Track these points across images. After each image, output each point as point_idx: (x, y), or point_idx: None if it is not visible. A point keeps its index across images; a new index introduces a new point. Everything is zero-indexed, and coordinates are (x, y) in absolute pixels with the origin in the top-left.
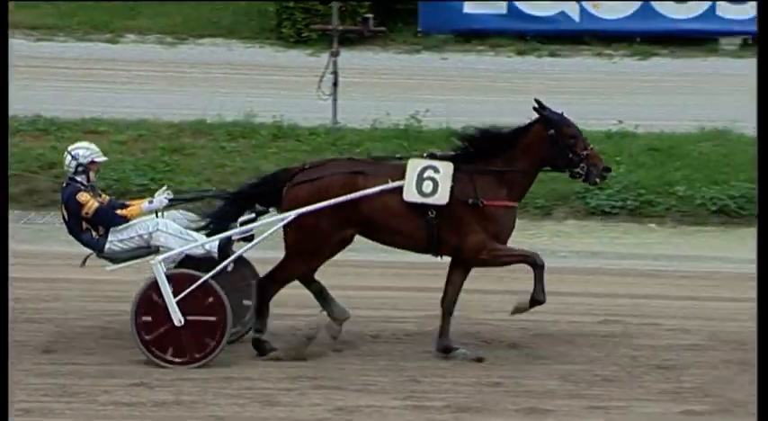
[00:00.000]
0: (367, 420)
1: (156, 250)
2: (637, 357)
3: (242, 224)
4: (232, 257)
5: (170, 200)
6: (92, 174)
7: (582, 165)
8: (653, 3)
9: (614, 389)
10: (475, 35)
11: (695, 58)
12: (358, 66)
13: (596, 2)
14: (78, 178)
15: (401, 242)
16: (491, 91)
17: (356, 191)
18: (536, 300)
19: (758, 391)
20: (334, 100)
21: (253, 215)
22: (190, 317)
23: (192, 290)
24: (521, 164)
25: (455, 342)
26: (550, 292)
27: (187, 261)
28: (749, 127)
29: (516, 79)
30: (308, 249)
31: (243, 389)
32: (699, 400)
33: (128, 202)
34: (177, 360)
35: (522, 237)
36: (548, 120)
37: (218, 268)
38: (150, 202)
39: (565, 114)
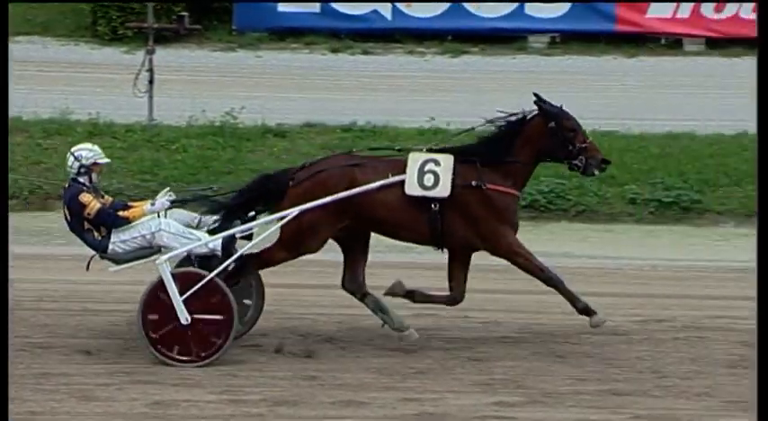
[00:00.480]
0: (184, 414)
1: (158, 250)
2: (449, 350)
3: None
4: (235, 256)
5: (171, 201)
6: (94, 176)
7: (580, 157)
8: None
9: (428, 381)
10: (289, 33)
11: (505, 56)
12: (174, 63)
13: (409, 2)
14: (81, 179)
15: (405, 235)
16: (306, 88)
17: (356, 185)
18: (582, 309)
19: (758, 392)
20: (150, 97)
21: (251, 213)
22: (196, 316)
23: (198, 288)
24: (521, 155)
25: (276, 338)
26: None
27: (199, 260)
28: None
29: (330, 77)
30: (299, 241)
31: (60, 385)
32: (510, 391)
33: (130, 204)
34: (183, 358)
35: None
36: (548, 113)
37: (222, 266)
38: (152, 204)
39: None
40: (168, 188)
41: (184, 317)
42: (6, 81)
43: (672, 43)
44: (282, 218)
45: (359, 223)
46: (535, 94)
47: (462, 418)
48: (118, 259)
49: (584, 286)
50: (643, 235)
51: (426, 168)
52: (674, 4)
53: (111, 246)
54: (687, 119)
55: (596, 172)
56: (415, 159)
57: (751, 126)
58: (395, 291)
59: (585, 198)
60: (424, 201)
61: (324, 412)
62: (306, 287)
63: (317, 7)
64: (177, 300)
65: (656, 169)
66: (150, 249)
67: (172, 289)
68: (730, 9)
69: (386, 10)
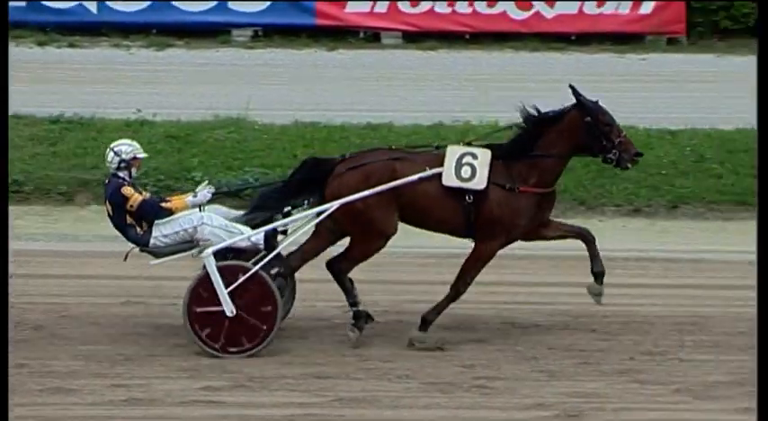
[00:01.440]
0: None
1: (197, 244)
2: (157, 337)
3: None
4: (277, 249)
5: (213, 193)
6: (133, 170)
7: (614, 151)
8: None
9: (136, 367)
10: None
11: (209, 49)
12: None
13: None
14: (120, 174)
15: (439, 226)
16: (13, 81)
17: (395, 177)
18: (598, 272)
19: (758, 393)
20: None
21: (288, 208)
22: (242, 308)
23: (244, 281)
24: (556, 149)
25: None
26: (75, 276)
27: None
28: (264, 115)
29: (38, 69)
30: (370, 230)
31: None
32: (217, 376)
33: (167, 198)
34: (231, 349)
35: (45, 222)
36: (584, 107)
37: (267, 259)
38: (195, 196)
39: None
40: (207, 181)
41: (230, 309)
42: (6, 81)
43: (370, 37)
44: (323, 211)
45: (401, 216)
46: (571, 87)
47: (170, 403)
48: (158, 253)
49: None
50: None
51: (464, 161)
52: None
53: (152, 241)
54: (386, 110)
55: (629, 165)
56: (453, 152)
57: (447, 116)
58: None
59: None
60: (459, 193)
61: (33, 400)
62: (17, 276)
63: (23, 1)
64: (223, 293)
65: None
66: (190, 243)
67: (218, 281)
68: (425, 4)
69: (91, 4)
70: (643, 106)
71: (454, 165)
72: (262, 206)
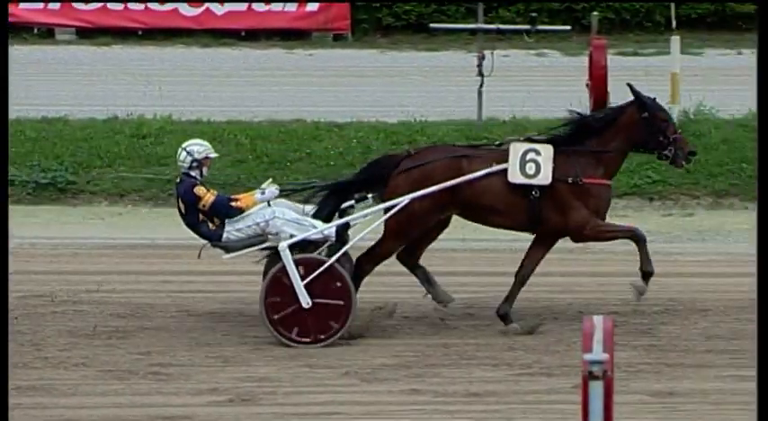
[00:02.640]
0: None
1: (267, 238)
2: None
3: (341, 211)
4: (349, 244)
5: (280, 190)
6: (204, 170)
7: (670, 147)
8: None
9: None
10: None
11: None
12: None
13: None
14: (192, 173)
15: (502, 222)
16: None
17: (461, 174)
18: (647, 272)
19: (759, 392)
20: None
21: (351, 202)
22: (317, 300)
23: (319, 273)
24: (615, 144)
25: None
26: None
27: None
28: None
29: None
30: (406, 230)
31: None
32: None
33: (235, 196)
34: (303, 340)
35: None
36: (642, 103)
37: (340, 252)
38: (262, 193)
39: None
40: (271, 179)
41: (305, 301)
42: (6, 81)
43: (44, 33)
44: (392, 207)
45: (463, 212)
46: (629, 86)
47: None
48: (230, 247)
49: None
50: (22, 215)
51: (528, 157)
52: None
53: (225, 236)
54: (61, 104)
55: (684, 163)
56: (516, 149)
57: (121, 110)
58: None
59: None
60: (524, 189)
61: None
62: None
63: None
64: (299, 285)
65: (33, 152)
66: (262, 237)
67: (294, 274)
68: (99, 1)
69: None
70: (311, 100)
71: (519, 161)
72: (325, 200)
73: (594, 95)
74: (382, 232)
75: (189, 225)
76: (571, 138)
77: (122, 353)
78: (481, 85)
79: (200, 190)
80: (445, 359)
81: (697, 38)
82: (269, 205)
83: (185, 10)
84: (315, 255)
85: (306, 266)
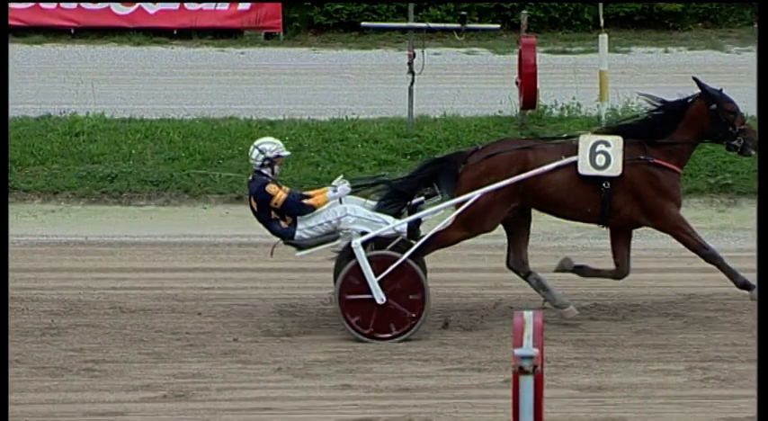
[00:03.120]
0: None
1: (340, 235)
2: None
3: (410, 208)
4: (422, 240)
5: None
6: (276, 168)
7: (739, 138)
8: None
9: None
10: None
11: None
12: None
13: None
14: (264, 171)
15: (572, 214)
16: None
17: (529, 167)
18: (743, 285)
19: (758, 395)
20: None
21: (421, 198)
22: (391, 296)
23: (393, 269)
24: (685, 136)
25: None
26: None
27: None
28: None
29: None
30: (477, 221)
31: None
32: None
33: (306, 193)
34: (380, 336)
35: None
36: (710, 95)
37: (414, 248)
38: (334, 190)
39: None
40: (342, 175)
41: (380, 296)
42: (6, 81)
43: None
44: (463, 202)
45: (530, 203)
46: (695, 79)
47: None
48: (302, 245)
49: None
50: None
51: (597, 149)
52: None
53: (297, 233)
54: None
55: (753, 152)
56: (586, 141)
57: (54, 108)
58: (564, 266)
59: None
60: (595, 181)
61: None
62: None
63: None
64: (373, 281)
65: None
66: (333, 234)
67: (367, 270)
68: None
69: None
70: (243, 98)
71: (588, 153)
72: (393, 197)
73: (524, 93)
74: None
75: (261, 222)
76: (640, 130)
77: (56, 350)
78: (412, 83)
79: (271, 188)
80: (377, 354)
81: (625, 36)
82: (340, 202)
83: (118, 9)
84: (388, 251)
85: (379, 263)
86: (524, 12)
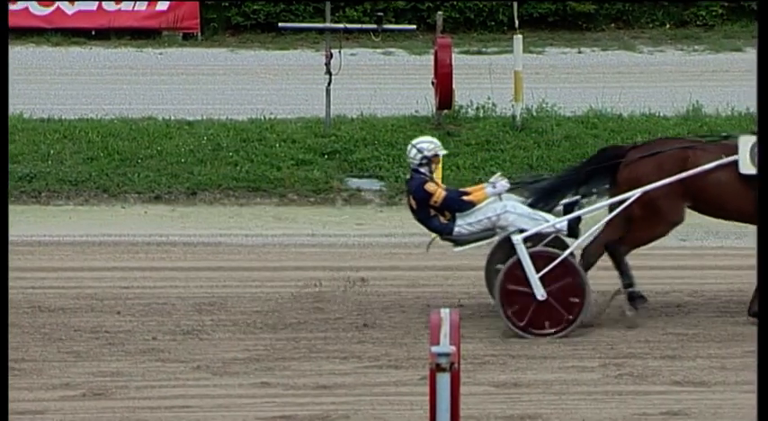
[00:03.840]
0: None
1: (498, 231)
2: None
3: (565, 206)
4: (579, 240)
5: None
6: (433, 166)
7: None
8: None
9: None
10: None
11: None
12: None
13: None
14: (422, 170)
15: (731, 215)
16: None
17: (687, 166)
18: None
19: (759, 392)
20: None
21: (577, 197)
22: (552, 294)
23: (557, 269)
24: None
25: None
26: None
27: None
28: None
29: None
30: (657, 217)
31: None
32: None
33: (463, 190)
34: (534, 331)
35: None
36: None
37: (574, 246)
38: (493, 187)
39: None
40: (500, 172)
41: (540, 293)
42: (6, 81)
43: None
44: (625, 200)
45: (692, 203)
46: None
47: None
48: (460, 240)
49: None
50: None
51: (757, 149)
52: None
53: (456, 229)
54: None
55: None
56: (745, 141)
57: None
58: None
59: None
60: (755, 180)
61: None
62: None
63: None
64: (534, 278)
65: None
66: (492, 231)
67: (529, 266)
68: None
69: None
70: (161, 98)
71: (749, 153)
72: (549, 193)
73: (440, 93)
74: (607, 223)
75: (420, 220)
76: None
77: None
78: (329, 84)
79: (430, 186)
80: (295, 352)
81: (539, 37)
82: (500, 199)
83: (36, 9)
84: (549, 248)
85: (541, 259)
86: (440, 13)
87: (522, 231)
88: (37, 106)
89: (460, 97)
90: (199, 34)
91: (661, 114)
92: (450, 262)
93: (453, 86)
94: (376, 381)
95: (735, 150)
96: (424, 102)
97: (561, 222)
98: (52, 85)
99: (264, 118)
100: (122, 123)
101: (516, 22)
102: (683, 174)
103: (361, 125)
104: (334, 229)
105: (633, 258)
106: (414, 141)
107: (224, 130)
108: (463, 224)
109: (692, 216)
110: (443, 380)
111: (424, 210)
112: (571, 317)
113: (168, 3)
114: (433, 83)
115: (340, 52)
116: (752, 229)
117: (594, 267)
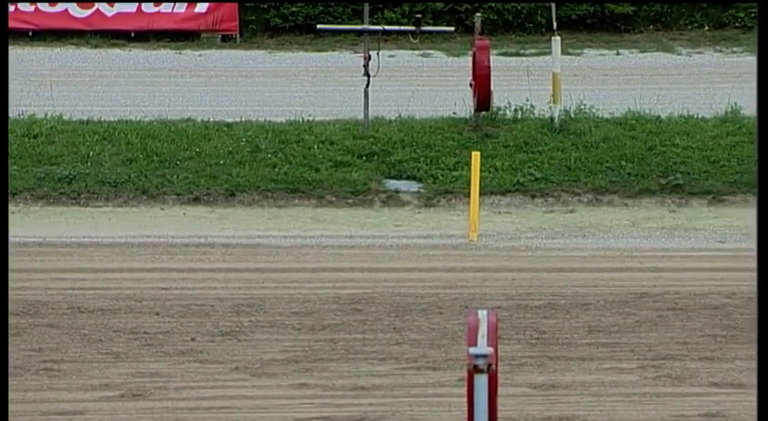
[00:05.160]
0: None
1: None
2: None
3: None
4: None
5: None
6: None
7: None
8: None
9: None
10: None
11: None
12: None
13: None
14: None
15: None
16: None
17: None
18: None
19: (758, 395)
20: None
21: None
22: None
23: None
24: None
25: None
26: None
27: None
28: None
29: None
30: None
31: None
32: None
33: None
34: None
35: None
36: None
37: None
38: None
39: None
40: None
41: None
42: (6, 81)
43: None
44: None
45: None
46: None
47: None
48: None
49: None
50: None
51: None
52: None
53: None
54: None
55: None
56: None
57: (12, 110)
58: None
59: None
60: None
61: None
62: None
63: None
64: None
65: None
66: None
67: None
68: None
69: None
70: (200, 100)
71: None
72: None
73: (478, 95)
74: None
75: None
76: None
77: (15, 350)
78: (367, 85)
79: None
80: (333, 353)
81: (577, 38)
82: None
83: (75, 11)
84: None
85: None
86: (478, 14)
87: None
88: (76, 108)
89: (498, 99)
90: (237, 36)
91: (699, 116)
92: (487, 263)
93: (491, 88)
94: (413, 383)
95: None
96: (462, 103)
97: None
98: (92, 86)
99: (303, 120)
100: (161, 125)
101: (554, 23)
102: None
103: (399, 127)
104: (373, 231)
105: (670, 261)
106: None
107: (262, 132)
108: None
109: (729, 218)
110: (481, 381)
111: None
112: None
113: (207, 5)
114: (471, 84)
115: (378, 54)
116: None
117: (602, 270)
